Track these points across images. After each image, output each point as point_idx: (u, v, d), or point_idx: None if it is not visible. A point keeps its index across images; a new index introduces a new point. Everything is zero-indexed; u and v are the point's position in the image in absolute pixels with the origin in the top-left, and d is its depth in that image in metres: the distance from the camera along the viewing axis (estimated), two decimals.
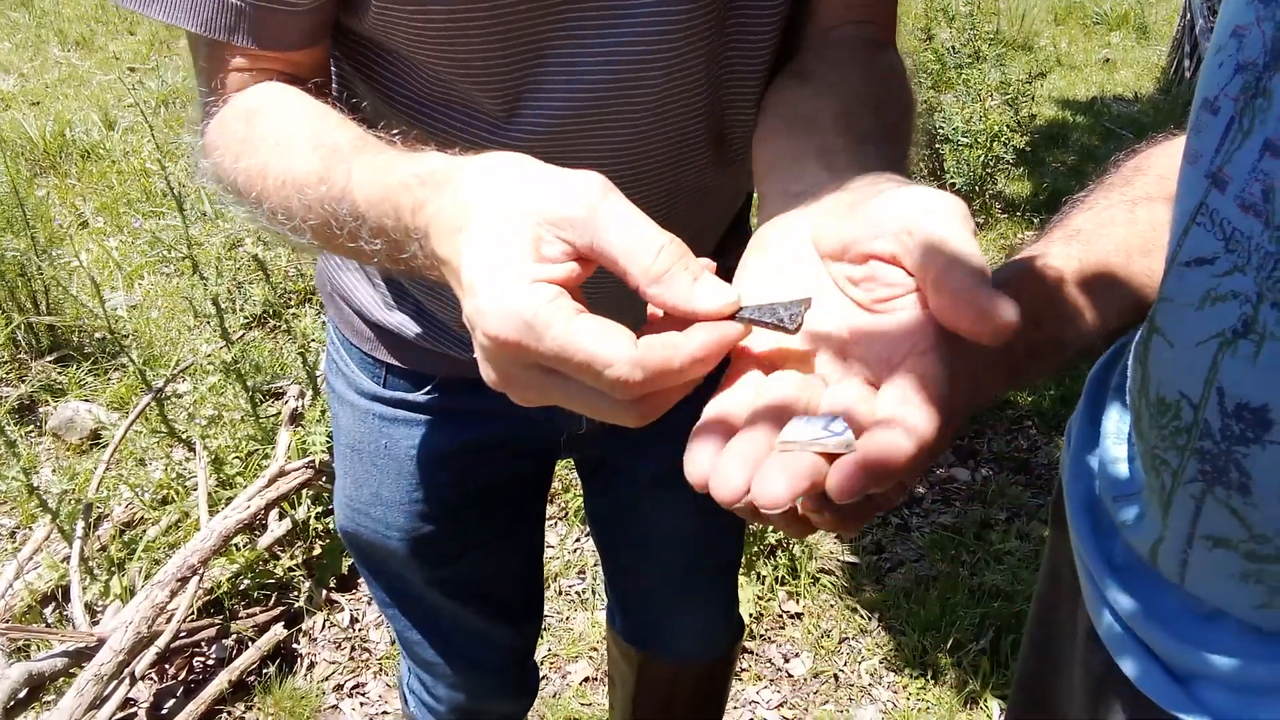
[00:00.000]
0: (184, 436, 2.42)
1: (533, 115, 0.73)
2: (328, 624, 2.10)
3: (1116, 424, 0.71)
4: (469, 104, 0.73)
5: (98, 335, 2.92)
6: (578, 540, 2.31)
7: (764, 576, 2.16)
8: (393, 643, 2.06)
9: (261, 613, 2.06)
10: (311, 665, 2.02)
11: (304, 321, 2.89)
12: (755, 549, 2.17)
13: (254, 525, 2.09)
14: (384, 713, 1.95)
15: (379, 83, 0.76)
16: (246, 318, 2.97)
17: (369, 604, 2.15)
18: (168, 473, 2.34)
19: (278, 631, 2.00)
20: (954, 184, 3.64)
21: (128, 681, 1.82)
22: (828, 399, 0.47)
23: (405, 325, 0.94)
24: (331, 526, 2.16)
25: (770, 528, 1.92)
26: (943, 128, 3.63)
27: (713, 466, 0.43)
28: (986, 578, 2.16)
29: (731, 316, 0.48)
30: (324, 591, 2.14)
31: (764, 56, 0.77)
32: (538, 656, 2.04)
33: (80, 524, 2.09)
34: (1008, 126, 3.63)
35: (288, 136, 0.63)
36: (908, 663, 2.00)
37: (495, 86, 0.71)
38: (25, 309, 2.85)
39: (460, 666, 1.18)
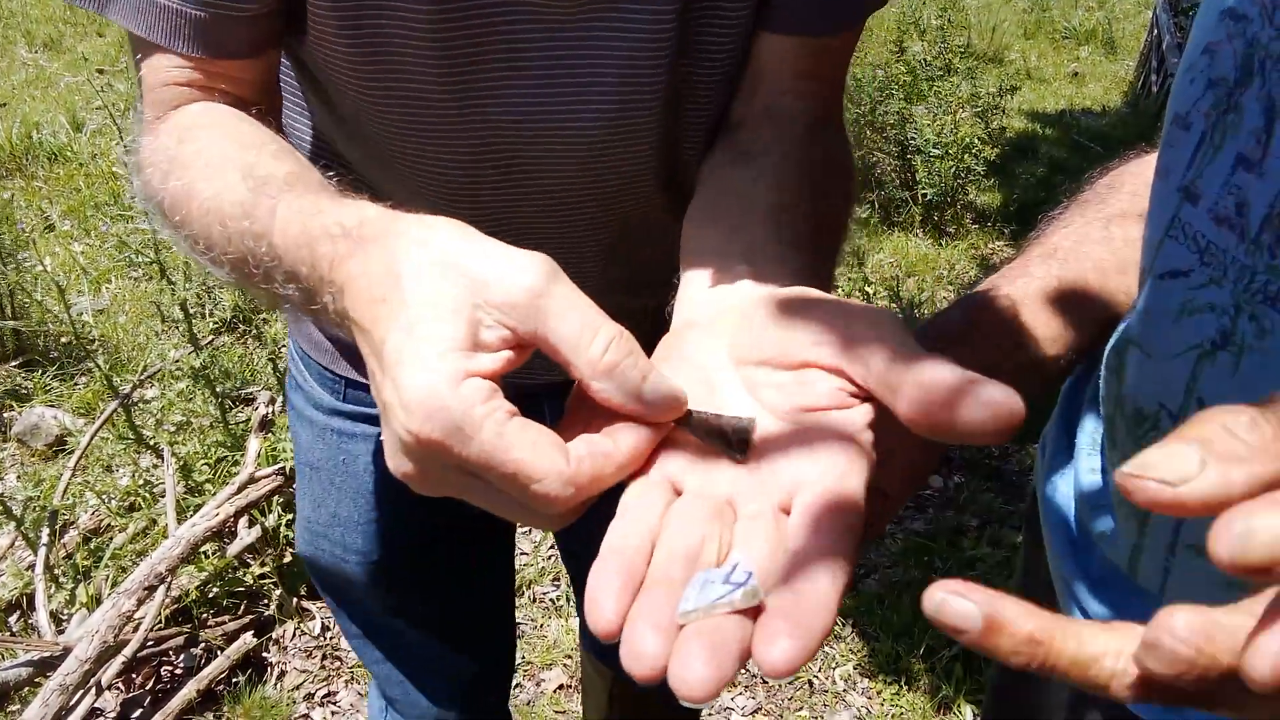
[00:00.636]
0: (152, 443, 2.39)
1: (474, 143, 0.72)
2: (298, 632, 2.08)
3: (1091, 435, 0.72)
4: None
5: (63, 340, 2.88)
6: (552, 547, 2.30)
7: None
8: None
9: (231, 621, 2.03)
10: (282, 674, 2.00)
11: (274, 327, 2.86)
12: None
13: (223, 532, 2.07)
14: None
15: (318, 94, 0.75)
16: (216, 323, 2.94)
17: None
18: (135, 479, 2.31)
19: (247, 640, 1.98)
20: (925, 194, 3.68)
21: (94, 691, 1.79)
22: (740, 536, 0.42)
23: None
24: None
25: None
26: (914, 139, 3.67)
27: (624, 635, 0.38)
28: None
29: (679, 421, 0.45)
30: (294, 599, 2.12)
31: (713, 109, 0.75)
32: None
33: (45, 531, 2.06)
34: (978, 138, 3.67)
35: (220, 161, 0.60)
36: (881, 668, 2.01)
37: (439, 134, 0.71)
38: None
39: (429, 692, 1.15)
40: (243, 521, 2.13)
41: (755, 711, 1.95)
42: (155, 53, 0.66)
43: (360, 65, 0.67)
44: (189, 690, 1.87)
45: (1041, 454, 0.78)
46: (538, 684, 2.01)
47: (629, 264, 0.86)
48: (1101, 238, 0.71)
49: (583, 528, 0.48)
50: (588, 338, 0.43)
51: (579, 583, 1.29)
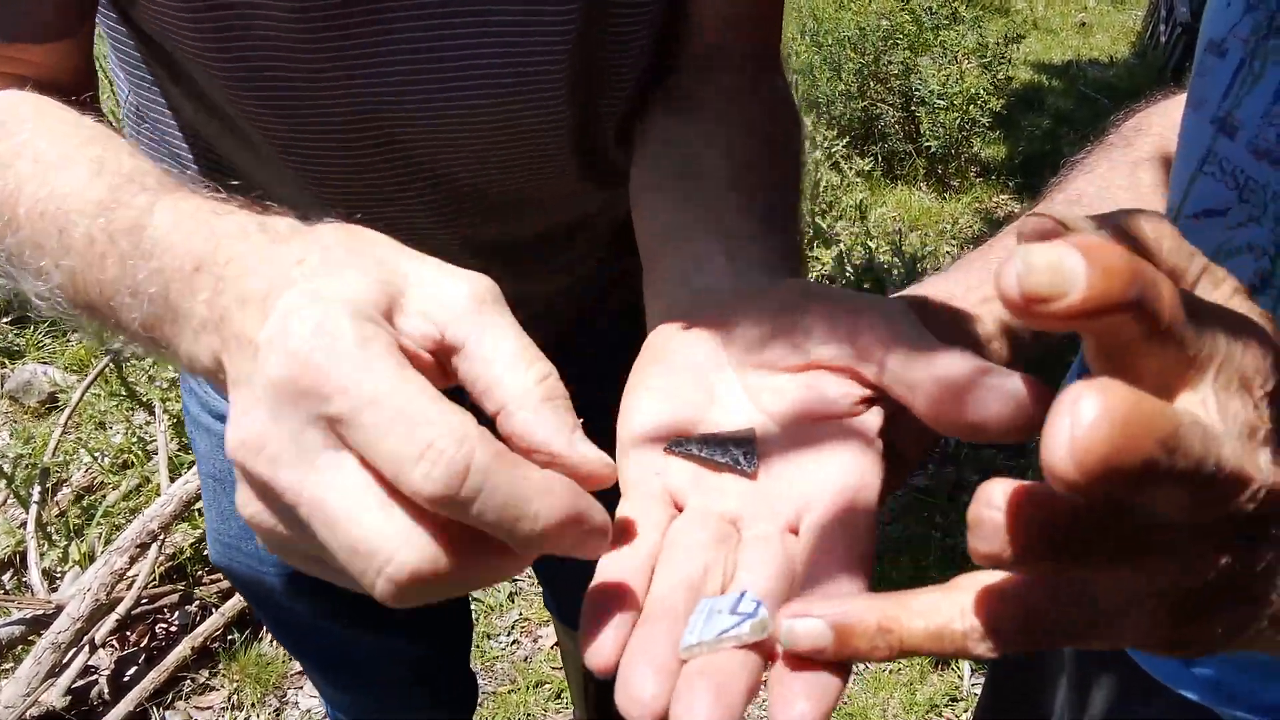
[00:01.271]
0: (145, 399, 2.37)
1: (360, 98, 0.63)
2: None
3: None
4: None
5: None
6: None
7: None
8: None
9: (225, 579, 2.02)
10: None
11: None
12: None
13: None
14: None
15: (184, 90, 0.65)
16: None
17: None
18: (128, 437, 2.29)
19: (241, 598, 1.97)
20: (929, 147, 3.62)
21: (88, 648, 1.78)
22: (745, 561, 0.38)
23: None
24: None
25: None
26: (919, 90, 3.60)
27: (620, 673, 0.33)
28: (960, 540, 2.15)
29: (671, 450, 0.41)
30: None
31: (630, 68, 0.68)
32: (508, 621, 2.02)
33: (37, 488, 2.04)
34: (984, 89, 3.60)
35: (58, 157, 0.50)
36: None
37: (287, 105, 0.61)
38: None
39: (372, 691, 1.09)
40: None
41: None
42: None
43: (205, 33, 0.58)
44: (184, 647, 1.86)
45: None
46: (534, 640, 2.00)
47: (543, 245, 0.81)
48: (1128, 183, 0.67)
49: None
50: (527, 360, 0.36)
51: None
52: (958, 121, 3.56)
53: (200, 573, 2.02)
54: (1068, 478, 0.23)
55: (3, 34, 0.56)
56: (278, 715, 1.85)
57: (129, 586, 1.83)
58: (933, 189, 3.68)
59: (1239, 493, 0.26)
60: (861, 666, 1.93)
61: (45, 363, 2.63)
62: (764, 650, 0.34)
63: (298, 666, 1.93)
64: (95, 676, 1.82)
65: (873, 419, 0.41)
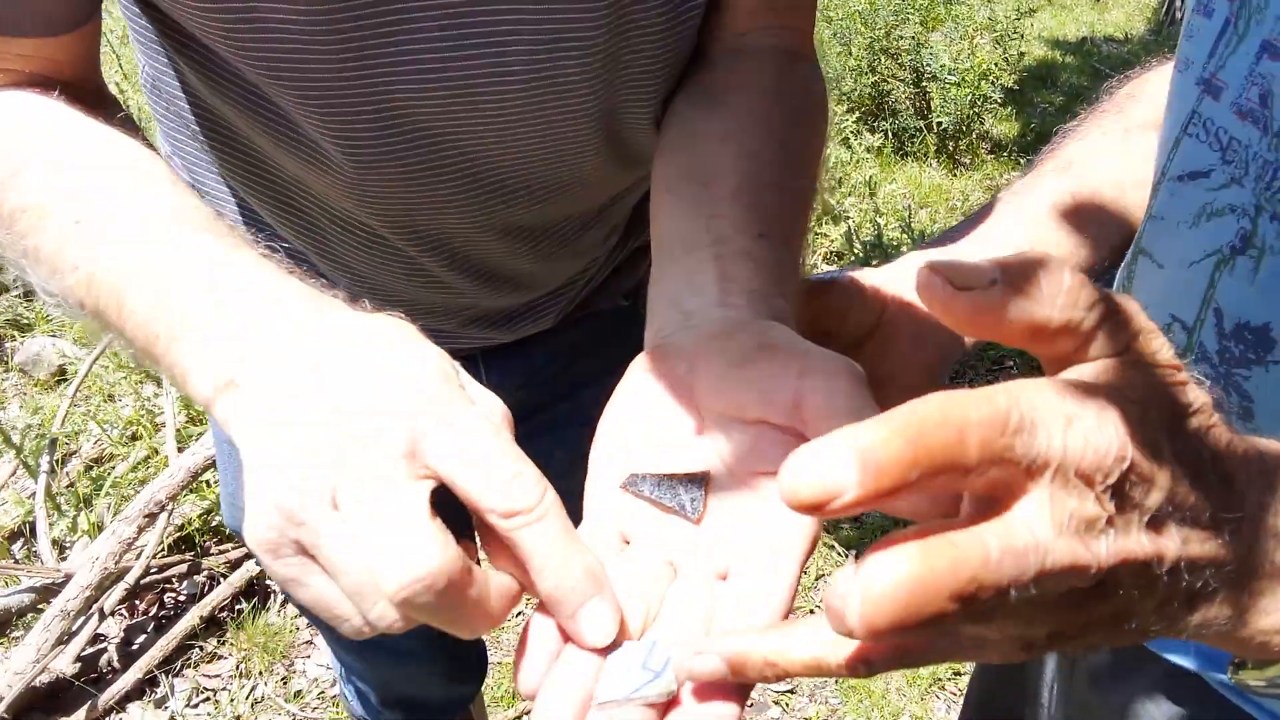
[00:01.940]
0: (153, 372, 2.38)
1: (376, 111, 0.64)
2: None
3: None
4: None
5: None
6: None
7: None
8: None
9: (233, 549, 2.03)
10: (285, 601, 2.00)
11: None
12: None
13: None
14: None
15: (202, 70, 0.65)
16: None
17: None
18: (136, 409, 2.30)
19: (250, 568, 1.99)
20: (940, 123, 3.60)
21: (97, 617, 1.81)
22: (671, 603, 0.42)
23: None
24: None
25: None
26: (930, 65, 3.57)
27: (538, 703, 0.39)
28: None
29: (626, 487, 0.45)
30: None
31: (663, 60, 0.68)
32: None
33: (46, 459, 2.06)
34: (996, 65, 3.57)
35: (87, 171, 0.53)
36: None
37: (316, 97, 0.62)
38: None
39: (385, 657, 1.11)
40: None
41: None
42: None
43: (229, 27, 0.58)
44: (192, 616, 1.88)
45: None
46: None
47: (565, 227, 0.81)
48: (1119, 150, 0.67)
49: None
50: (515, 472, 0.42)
51: None
52: (969, 97, 3.54)
53: (208, 543, 2.04)
54: (860, 638, 0.26)
55: (14, 29, 0.57)
56: (285, 683, 1.87)
57: (137, 556, 1.85)
58: (943, 166, 3.66)
59: (1075, 579, 0.28)
60: None
61: (54, 335, 2.65)
62: (667, 705, 0.38)
63: (305, 636, 1.95)
64: (104, 644, 1.85)
65: None
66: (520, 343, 0.90)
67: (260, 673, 1.87)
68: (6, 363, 2.59)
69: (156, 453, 2.18)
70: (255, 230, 0.75)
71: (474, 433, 0.40)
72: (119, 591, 1.82)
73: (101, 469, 2.19)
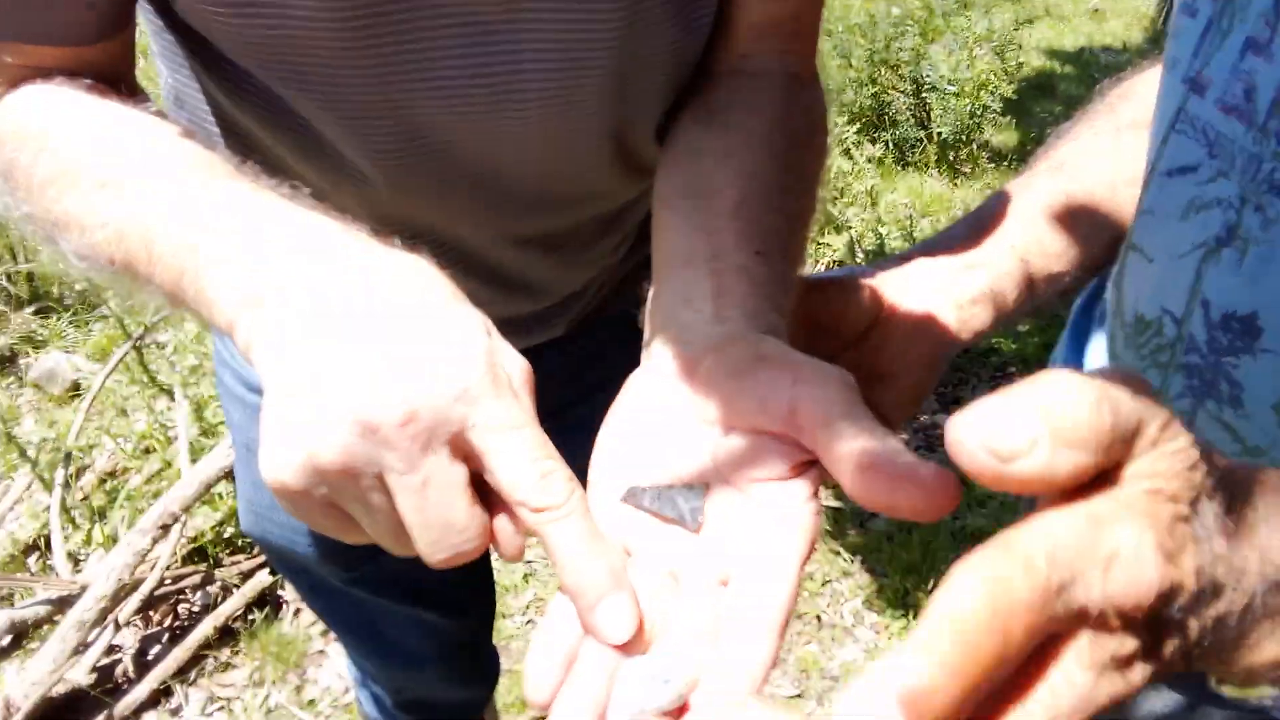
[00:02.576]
0: (165, 386, 2.41)
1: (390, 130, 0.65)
2: None
3: (1101, 356, 0.71)
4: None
5: (77, 286, 2.89)
6: None
7: None
8: None
9: (246, 560, 2.05)
10: (298, 611, 2.02)
11: None
12: None
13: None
14: None
15: (224, 81, 0.67)
16: None
17: None
18: (150, 423, 2.33)
19: (263, 578, 2.00)
20: (941, 133, 3.62)
21: (112, 628, 1.82)
22: (676, 615, 0.43)
23: None
24: None
25: None
26: (929, 76, 3.60)
27: (553, 715, 0.40)
28: (969, 521, 2.17)
29: (626, 500, 0.46)
30: None
31: (671, 76, 0.70)
32: (523, 601, 2.05)
33: (61, 472, 2.08)
34: (995, 75, 3.60)
35: (115, 137, 0.55)
36: (890, 604, 2.02)
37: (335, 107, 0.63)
38: (2, 260, 2.82)
39: (400, 660, 1.12)
40: None
41: None
42: None
43: (246, 37, 0.60)
44: (206, 626, 1.90)
45: None
46: None
47: (578, 236, 0.83)
48: (1111, 149, 0.69)
49: None
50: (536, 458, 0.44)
51: None
52: (969, 108, 3.56)
53: (221, 554, 2.06)
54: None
55: (45, 39, 0.59)
56: (299, 692, 1.88)
57: (151, 567, 1.87)
58: (944, 175, 3.68)
59: (1113, 704, 0.29)
60: (872, 644, 1.96)
61: (68, 351, 2.68)
62: (679, 711, 0.40)
63: (318, 645, 1.96)
64: (119, 655, 1.87)
65: (807, 483, 0.45)
66: (531, 350, 0.92)
67: (274, 682, 1.88)
68: (21, 378, 2.61)
69: (169, 465, 2.20)
70: None
71: (514, 426, 0.42)
72: (134, 602, 1.84)
73: (115, 482, 2.21)
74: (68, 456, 2.12)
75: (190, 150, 0.54)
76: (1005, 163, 3.74)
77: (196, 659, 1.88)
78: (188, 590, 2.00)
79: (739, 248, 0.55)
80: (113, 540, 2.00)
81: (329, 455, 0.40)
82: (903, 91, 3.71)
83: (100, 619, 1.74)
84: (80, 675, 1.76)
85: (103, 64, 0.62)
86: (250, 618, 1.97)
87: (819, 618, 2.02)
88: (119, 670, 1.84)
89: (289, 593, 2.05)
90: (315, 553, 0.97)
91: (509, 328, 0.48)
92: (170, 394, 2.36)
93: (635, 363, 0.51)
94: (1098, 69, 4.58)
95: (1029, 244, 0.63)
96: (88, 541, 2.03)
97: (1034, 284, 0.63)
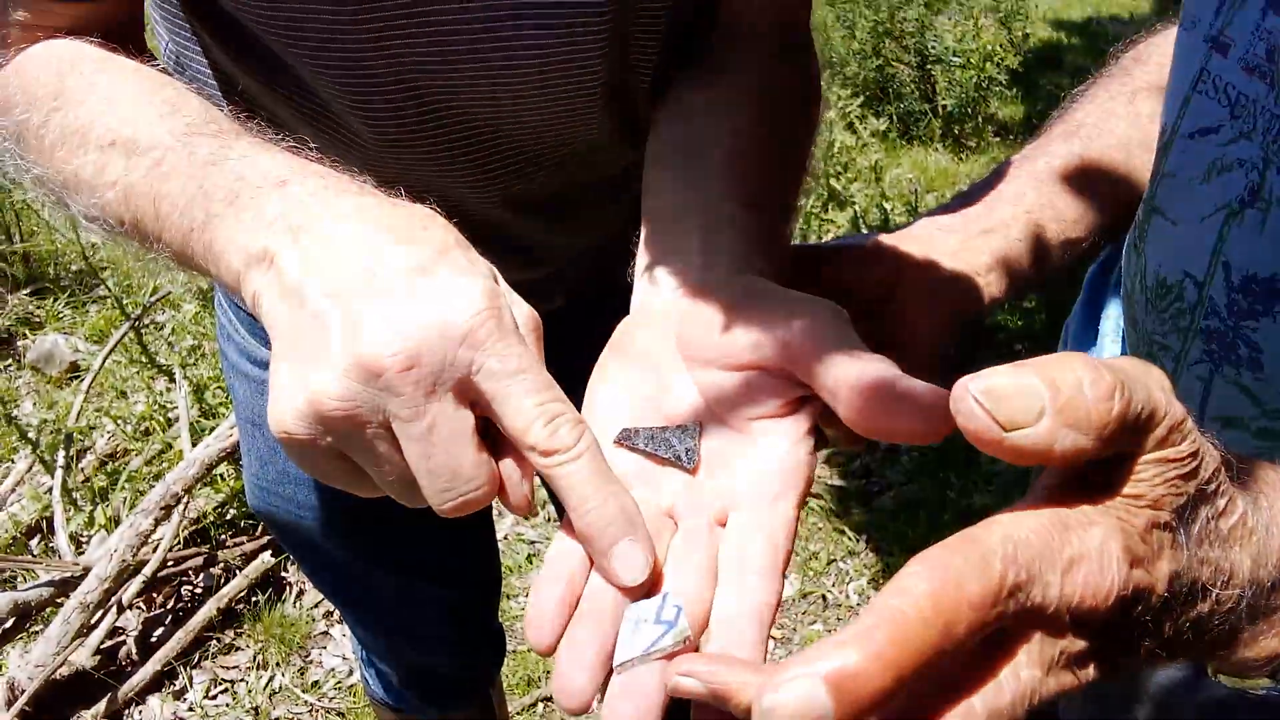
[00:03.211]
0: (165, 367, 2.39)
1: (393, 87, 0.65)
2: None
3: (1115, 322, 0.69)
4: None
5: (74, 267, 2.88)
6: None
7: None
8: None
9: (249, 541, 2.05)
10: (301, 593, 2.02)
11: None
12: None
13: (238, 454, 2.07)
14: None
15: (225, 41, 0.67)
16: None
17: None
18: (149, 404, 2.32)
19: (265, 560, 2.00)
20: (945, 105, 3.58)
21: (115, 610, 1.82)
22: (674, 556, 0.43)
23: None
24: None
25: None
26: (934, 48, 3.56)
27: (555, 668, 0.40)
28: (975, 499, 2.16)
29: (620, 442, 0.46)
30: None
31: (666, 33, 0.69)
32: (527, 583, 2.04)
33: (61, 455, 2.07)
34: (1000, 47, 3.56)
35: (128, 97, 0.55)
36: None
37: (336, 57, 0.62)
38: None
39: (405, 635, 1.12)
40: None
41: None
42: None
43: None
44: (209, 609, 1.89)
45: (1063, 344, 0.75)
46: None
47: (579, 200, 0.83)
48: (1126, 113, 0.67)
49: None
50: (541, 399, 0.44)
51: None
52: (974, 80, 3.53)
53: (223, 536, 2.06)
54: None
55: None
56: (302, 674, 1.88)
57: (154, 549, 1.86)
58: (949, 149, 3.65)
59: (1060, 696, 0.30)
60: None
61: (66, 333, 2.66)
62: (684, 649, 0.39)
63: (321, 627, 1.96)
64: (123, 637, 1.86)
65: (803, 419, 0.45)
66: None
67: (277, 664, 1.88)
68: (19, 360, 2.60)
69: (170, 447, 2.19)
70: None
71: (519, 370, 0.41)
72: (136, 584, 1.84)
73: (116, 464, 2.21)
74: (68, 438, 2.11)
75: (197, 107, 0.54)
76: (1011, 136, 3.70)
77: (200, 641, 1.88)
78: (190, 572, 2.00)
79: (727, 199, 0.55)
80: (115, 522, 2.00)
81: (333, 402, 0.39)
82: (907, 64, 3.67)
83: (103, 601, 1.74)
84: (84, 658, 1.76)
85: (112, 22, 0.62)
86: (253, 599, 1.96)
87: (824, 597, 2.01)
88: (122, 653, 1.84)
89: (292, 574, 2.05)
90: (321, 527, 0.96)
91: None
92: (170, 375, 2.35)
93: None
94: (1105, 40, 4.53)
95: (1044, 209, 0.62)
96: (90, 524, 2.03)
97: (1049, 249, 0.62)
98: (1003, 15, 3.68)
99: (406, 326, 0.40)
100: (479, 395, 0.41)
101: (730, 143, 0.59)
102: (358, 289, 0.41)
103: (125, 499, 2.07)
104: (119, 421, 2.27)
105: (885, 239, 0.61)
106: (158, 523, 1.82)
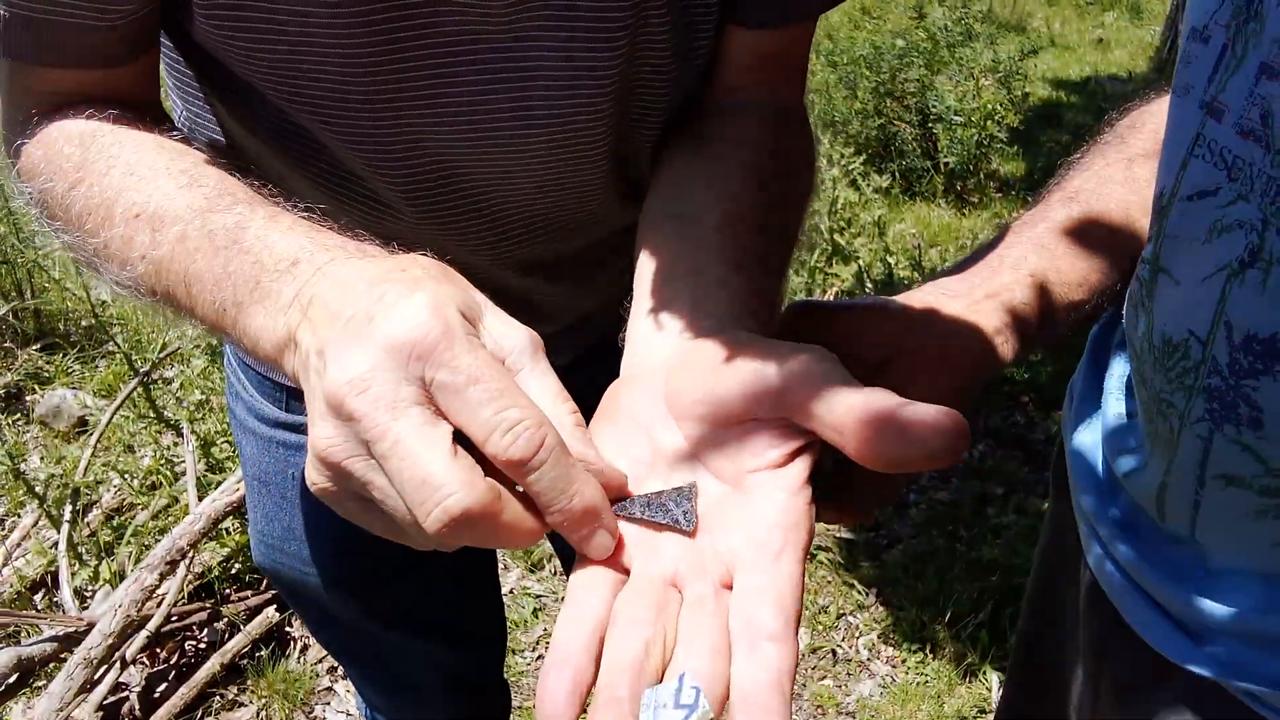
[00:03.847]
0: (172, 422, 2.40)
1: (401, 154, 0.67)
2: None
3: (1119, 379, 0.70)
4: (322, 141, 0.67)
5: (84, 323, 2.90)
6: None
7: None
8: None
9: (253, 596, 2.04)
10: (305, 648, 2.00)
11: None
12: None
13: (243, 509, 2.07)
14: None
15: (238, 109, 0.68)
16: None
17: None
18: (156, 458, 2.32)
19: (270, 615, 1.99)
20: (947, 163, 3.63)
21: (118, 665, 1.81)
22: (684, 629, 0.42)
23: None
24: None
25: None
26: (935, 106, 3.62)
27: None
28: (984, 552, 2.15)
29: (617, 514, 0.45)
30: None
31: (667, 103, 0.71)
32: (533, 637, 2.03)
33: (68, 509, 2.07)
34: (1001, 106, 3.62)
35: (150, 170, 0.57)
36: (906, 637, 2.00)
37: (347, 131, 0.64)
38: (9, 296, 2.83)
39: (410, 695, 1.11)
40: None
41: None
42: (8, 63, 0.61)
43: (267, 62, 0.61)
44: (213, 664, 1.88)
45: (1069, 402, 0.76)
46: None
47: (584, 260, 0.84)
48: (1124, 178, 0.69)
49: None
50: (564, 397, 0.46)
51: (567, 560, 1.25)
52: (975, 138, 3.57)
53: (228, 591, 2.05)
54: None
55: (77, 62, 0.60)
56: None
57: (158, 604, 1.86)
58: (951, 205, 3.68)
59: None
60: (889, 679, 1.93)
61: (74, 388, 2.68)
62: None
63: (326, 682, 1.94)
64: (126, 693, 1.85)
65: (799, 469, 0.45)
66: None
67: None
68: (28, 415, 2.62)
69: (176, 501, 2.19)
70: None
71: (472, 379, 0.41)
72: (140, 639, 1.83)
73: (122, 518, 2.21)
74: (75, 493, 2.11)
75: (214, 177, 0.56)
76: (1012, 192, 3.74)
77: (203, 697, 1.86)
78: (194, 627, 1.99)
79: (718, 263, 0.56)
80: (120, 577, 1.99)
81: (322, 443, 0.41)
82: (909, 122, 3.72)
83: (107, 656, 1.73)
84: (87, 714, 1.74)
85: (128, 88, 0.64)
86: (257, 655, 1.95)
87: (834, 652, 1.99)
88: (125, 709, 1.82)
89: (296, 629, 2.03)
90: (326, 584, 0.96)
91: None
92: (177, 430, 2.36)
93: None
94: (1104, 98, 4.60)
95: (1048, 273, 0.63)
96: (95, 578, 2.02)
97: (1054, 313, 0.63)
98: (1002, 75, 3.74)
99: (358, 355, 0.41)
100: (442, 409, 0.42)
101: (722, 209, 0.60)
102: (333, 338, 0.43)
103: (131, 553, 2.07)
104: (126, 476, 2.28)
105: (893, 300, 0.62)
106: (163, 577, 1.81)
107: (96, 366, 2.79)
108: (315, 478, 0.42)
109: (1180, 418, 0.54)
